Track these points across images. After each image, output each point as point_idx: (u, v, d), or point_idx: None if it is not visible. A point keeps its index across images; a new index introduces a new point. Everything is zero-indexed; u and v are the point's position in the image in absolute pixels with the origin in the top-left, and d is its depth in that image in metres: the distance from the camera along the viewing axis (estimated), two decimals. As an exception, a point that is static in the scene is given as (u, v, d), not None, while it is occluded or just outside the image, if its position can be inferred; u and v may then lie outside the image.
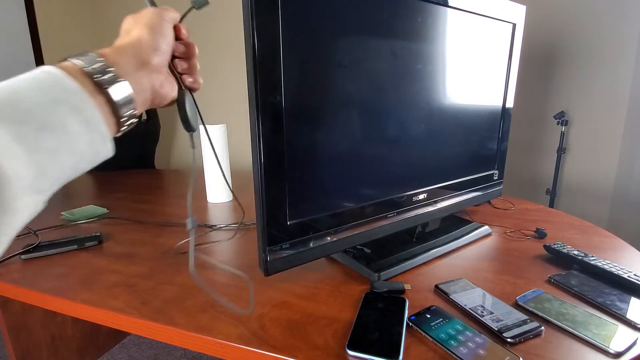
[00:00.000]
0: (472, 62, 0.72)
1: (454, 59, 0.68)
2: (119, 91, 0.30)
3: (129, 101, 0.31)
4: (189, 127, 0.42)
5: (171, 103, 0.41)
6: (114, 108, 0.30)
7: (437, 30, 0.64)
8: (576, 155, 1.41)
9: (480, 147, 0.81)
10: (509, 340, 0.44)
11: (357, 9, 0.53)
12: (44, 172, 0.25)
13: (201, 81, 0.43)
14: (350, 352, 0.43)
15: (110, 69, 0.30)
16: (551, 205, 1.43)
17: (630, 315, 0.49)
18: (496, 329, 0.46)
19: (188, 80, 0.42)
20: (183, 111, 0.41)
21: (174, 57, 0.40)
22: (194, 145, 0.44)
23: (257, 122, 0.46)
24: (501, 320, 0.48)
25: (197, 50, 0.41)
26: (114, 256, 0.72)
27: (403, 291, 0.56)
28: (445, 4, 0.63)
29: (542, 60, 1.39)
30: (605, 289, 0.55)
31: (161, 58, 0.36)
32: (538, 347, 0.44)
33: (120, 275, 0.64)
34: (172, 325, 0.49)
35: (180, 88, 0.41)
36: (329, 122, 0.54)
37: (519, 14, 0.78)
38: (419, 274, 0.63)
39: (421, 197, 0.69)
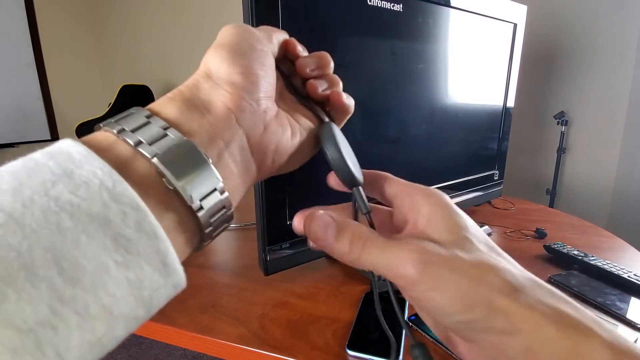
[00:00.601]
0: (473, 62, 0.72)
1: (455, 59, 0.68)
2: (189, 165, 0.17)
3: (213, 184, 0.17)
4: (354, 179, 0.23)
5: (300, 155, 0.26)
6: (184, 200, 0.16)
7: (438, 30, 0.63)
8: (576, 155, 1.42)
9: (480, 147, 0.81)
10: (509, 340, 0.44)
11: (357, 8, 0.53)
12: None
13: (351, 101, 0.28)
14: (350, 352, 0.43)
15: (167, 129, 0.17)
16: (551, 205, 1.43)
17: (630, 315, 0.49)
18: (496, 329, 0.46)
19: (341, 100, 0.27)
20: (336, 154, 0.23)
21: (304, 80, 0.27)
22: (366, 208, 0.23)
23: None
24: (501, 321, 0.48)
25: (331, 61, 0.27)
26: (114, 256, 0.72)
27: (403, 291, 0.56)
28: (447, 4, 0.63)
29: (542, 60, 1.39)
30: (605, 289, 0.55)
31: (261, 91, 0.22)
32: (538, 347, 0.44)
33: (121, 275, 0.63)
34: (172, 325, 0.49)
35: (320, 122, 0.26)
36: (329, 122, 0.54)
37: (520, 14, 0.78)
38: (419, 274, 0.63)
39: (421, 197, 0.69)
